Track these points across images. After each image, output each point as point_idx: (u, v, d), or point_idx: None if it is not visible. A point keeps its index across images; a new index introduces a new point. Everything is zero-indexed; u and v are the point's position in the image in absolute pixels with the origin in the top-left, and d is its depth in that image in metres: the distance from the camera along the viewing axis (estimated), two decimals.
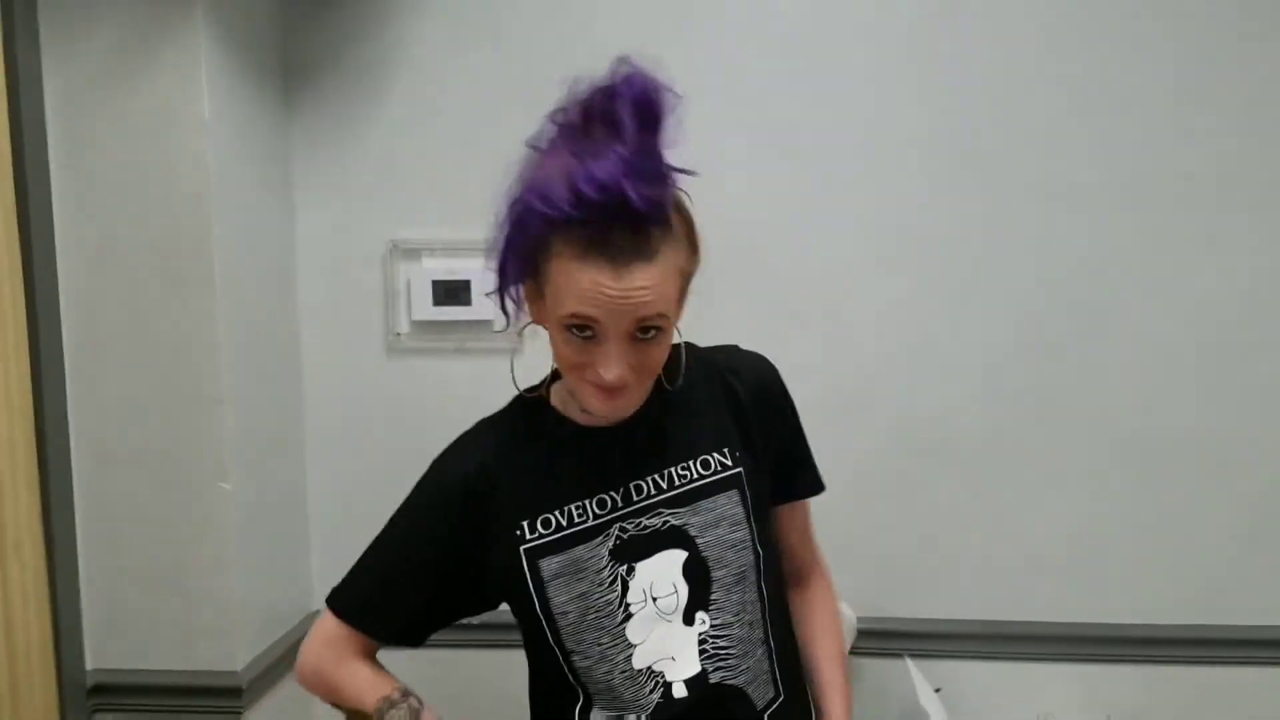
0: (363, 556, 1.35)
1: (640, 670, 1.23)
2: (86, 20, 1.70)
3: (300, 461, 2.08)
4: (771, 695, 1.28)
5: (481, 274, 1.95)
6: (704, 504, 1.25)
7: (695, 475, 1.26)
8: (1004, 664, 2.02)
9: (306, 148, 2.03)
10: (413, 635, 1.33)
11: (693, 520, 1.24)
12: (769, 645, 1.29)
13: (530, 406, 1.32)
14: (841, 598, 1.92)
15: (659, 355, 1.16)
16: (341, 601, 1.34)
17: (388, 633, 1.33)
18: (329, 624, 1.33)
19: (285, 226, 2.02)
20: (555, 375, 1.30)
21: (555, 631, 1.23)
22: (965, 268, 1.98)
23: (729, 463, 1.28)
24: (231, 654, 1.81)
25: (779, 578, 1.34)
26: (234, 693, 1.79)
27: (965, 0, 1.94)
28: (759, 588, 1.28)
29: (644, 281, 1.08)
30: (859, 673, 2.01)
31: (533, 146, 1.16)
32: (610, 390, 1.15)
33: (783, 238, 1.98)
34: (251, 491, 1.85)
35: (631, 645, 1.22)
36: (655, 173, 1.08)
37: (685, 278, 1.17)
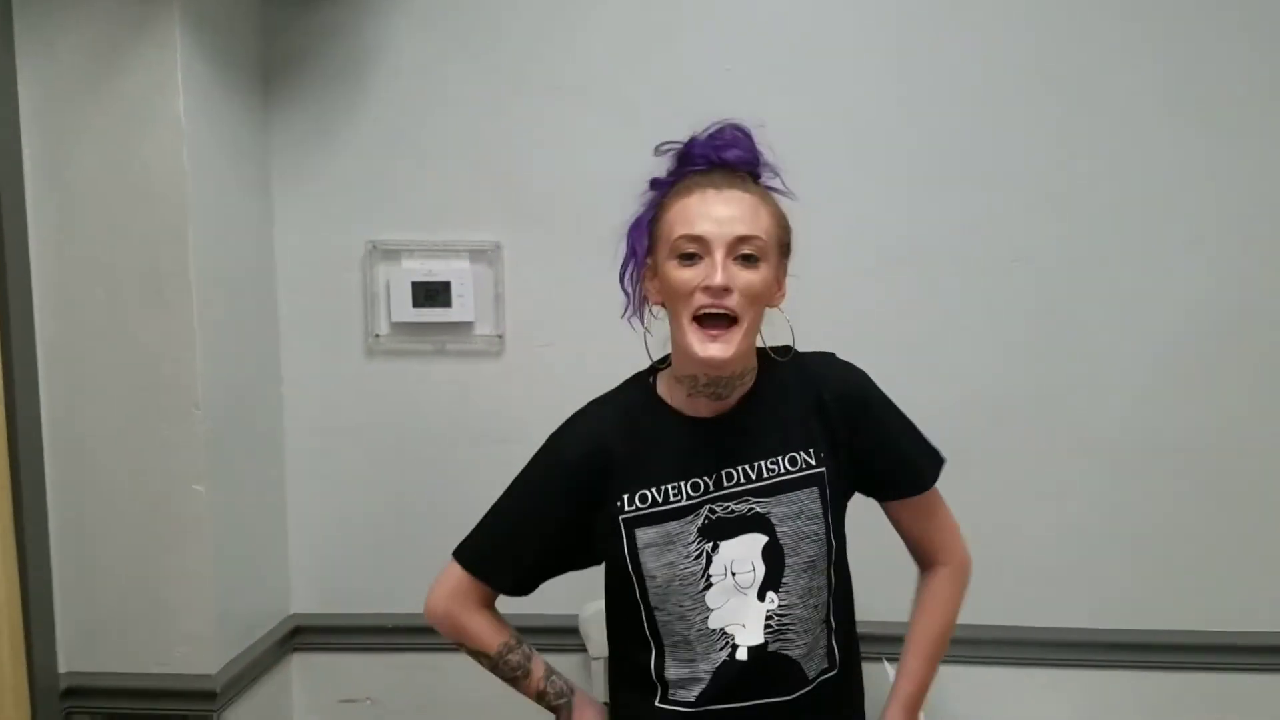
0: (485, 517, 1.51)
1: (714, 630, 1.41)
2: (62, 20, 1.69)
3: (280, 464, 2.07)
4: (825, 667, 1.46)
5: (461, 274, 2.01)
6: (787, 496, 1.42)
7: (782, 470, 1.43)
8: (986, 669, 2.02)
9: (285, 148, 2.02)
10: (525, 586, 1.51)
11: (775, 510, 1.42)
12: (829, 624, 1.47)
13: (640, 391, 1.49)
14: None
15: (760, 286, 1.33)
16: (467, 555, 1.51)
17: (505, 583, 1.51)
18: (455, 574, 1.51)
19: (263, 227, 2.01)
20: (659, 364, 1.47)
21: (644, 591, 1.42)
22: (950, 271, 1.97)
23: (813, 462, 1.44)
24: (206, 657, 1.80)
25: (846, 567, 1.52)
26: (208, 696, 1.79)
27: (954, 2, 1.94)
28: (827, 575, 1.45)
29: (741, 204, 1.33)
30: None
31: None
32: (711, 331, 1.31)
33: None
34: (227, 494, 1.85)
35: (709, 610, 1.41)
36: (745, 147, 1.40)
37: (781, 240, 1.38)
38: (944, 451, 1.99)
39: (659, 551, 1.41)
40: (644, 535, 1.41)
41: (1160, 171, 1.94)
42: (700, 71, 1.96)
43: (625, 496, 1.42)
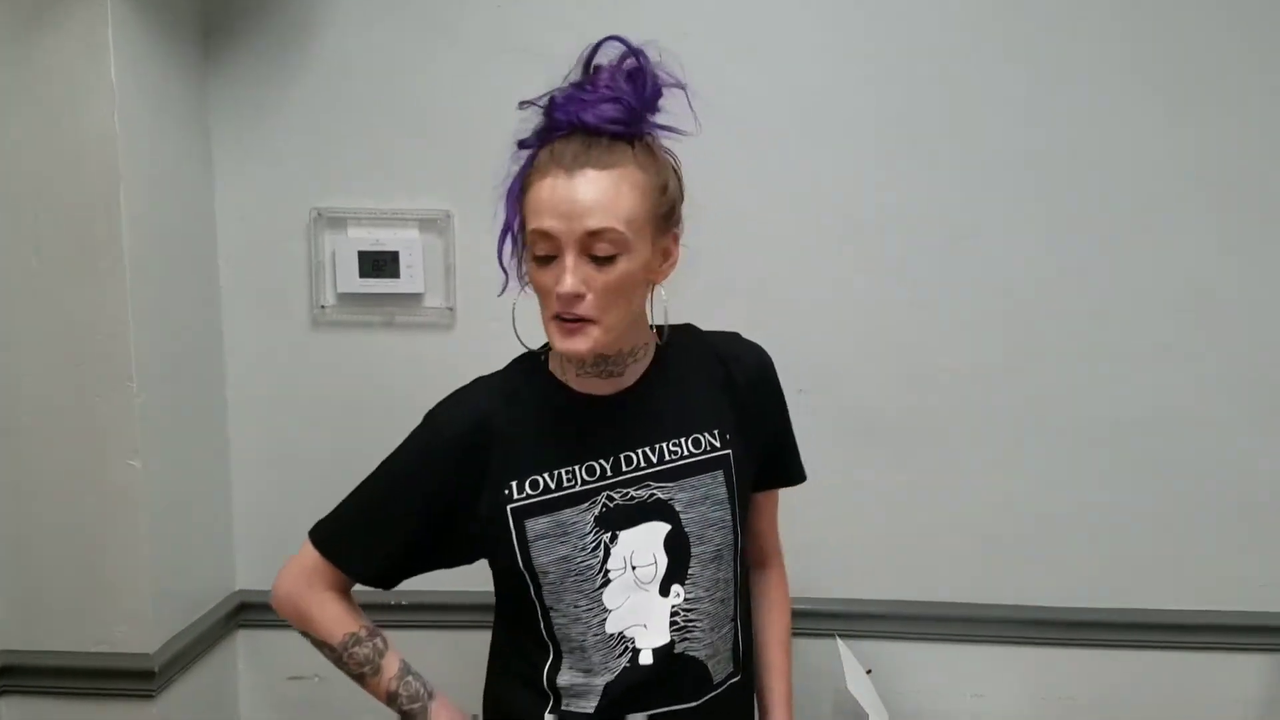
0: (349, 495, 1.40)
1: (612, 634, 1.30)
2: None
3: (223, 438, 2.03)
4: (730, 672, 1.38)
5: (410, 244, 1.96)
6: (691, 481, 1.33)
7: (685, 452, 1.34)
8: (936, 645, 2.01)
9: (225, 112, 1.95)
10: (386, 578, 1.39)
11: (679, 495, 1.32)
12: (735, 623, 1.38)
13: (529, 369, 1.38)
14: None
15: (619, 283, 1.21)
16: (322, 535, 1.40)
17: (362, 571, 1.39)
18: (307, 555, 1.40)
19: (203, 194, 1.95)
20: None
21: (537, 588, 1.30)
22: (898, 251, 1.94)
23: (718, 444, 1.35)
24: (144, 636, 1.76)
25: (745, 561, 1.42)
26: (145, 675, 1.75)
27: None
28: (734, 567, 1.36)
29: (595, 187, 1.18)
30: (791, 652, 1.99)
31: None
32: (569, 325, 1.21)
33: (725, 216, 1.91)
34: (166, 469, 1.80)
35: (607, 610, 1.30)
36: (616, 101, 1.22)
37: (654, 214, 1.24)
38: (888, 422, 2.00)
39: (551, 544, 1.29)
40: (535, 526, 1.29)
41: (1153, 147, 1.90)
42: (657, 34, 1.90)
43: (514, 483, 1.30)
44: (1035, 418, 1.96)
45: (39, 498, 1.74)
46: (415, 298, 1.99)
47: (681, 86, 1.30)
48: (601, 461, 1.32)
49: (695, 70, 1.89)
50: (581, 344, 1.22)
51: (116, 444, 1.72)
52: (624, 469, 1.32)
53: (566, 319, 1.22)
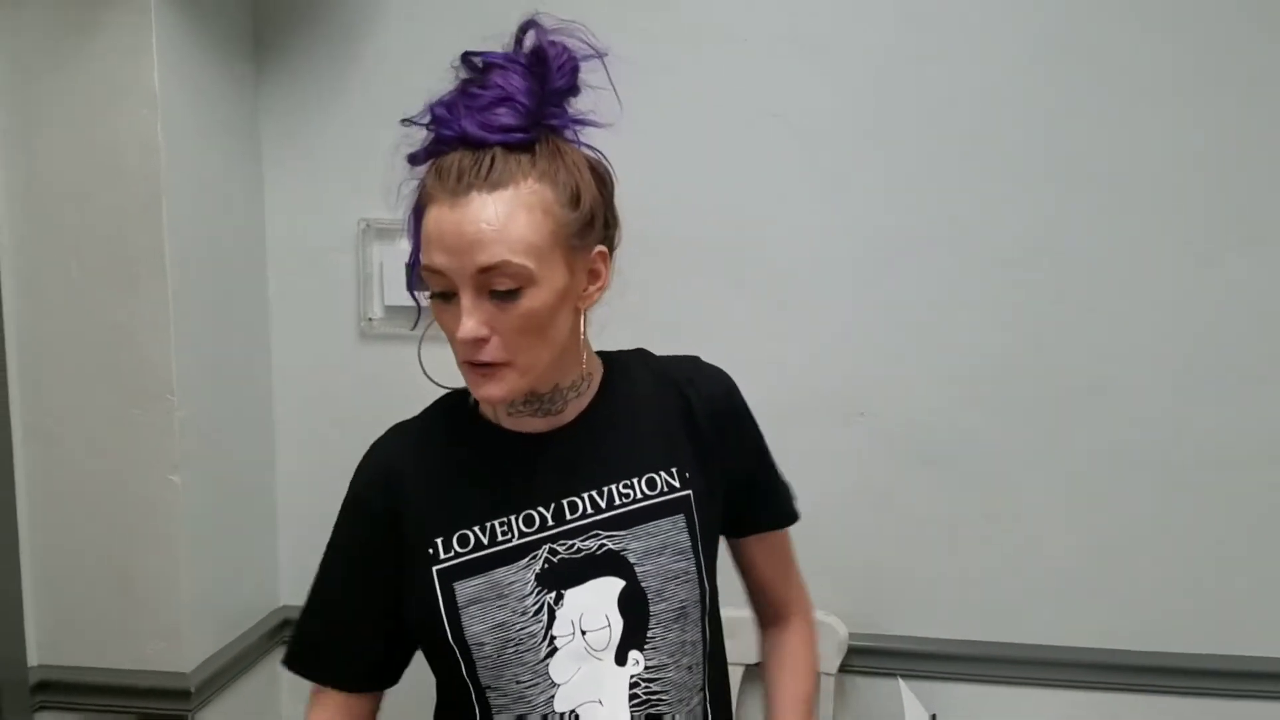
0: (307, 599, 1.21)
1: (562, 714, 1.09)
2: None
3: (269, 453, 2.00)
4: None
5: None
6: (646, 528, 1.13)
7: (639, 495, 1.14)
8: (1002, 688, 1.88)
9: (275, 121, 1.93)
10: (386, 675, 1.20)
11: (632, 545, 1.12)
12: (705, 693, 1.17)
13: (452, 408, 1.20)
14: (832, 611, 1.83)
15: (527, 321, 1.02)
16: (300, 660, 1.21)
17: (350, 680, 1.19)
18: (311, 694, 1.20)
19: (253, 205, 1.92)
20: None
21: (470, 665, 1.10)
22: (965, 263, 1.83)
23: (677, 484, 1.15)
24: (180, 655, 1.73)
25: (718, 618, 1.21)
26: (182, 695, 1.71)
27: None
28: (701, 626, 1.15)
29: (483, 214, 0.99)
30: (848, 692, 1.89)
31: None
32: (480, 370, 1.04)
33: (770, 228, 1.85)
34: (207, 485, 1.77)
35: (555, 685, 1.09)
36: (506, 102, 1.03)
37: (564, 234, 1.04)
38: (953, 451, 1.88)
39: (486, 609, 1.09)
40: (465, 590, 1.09)
41: (1201, 153, 1.77)
42: (716, 35, 1.84)
43: (439, 540, 1.10)
44: (1115, 447, 1.83)
45: (76, 512, 1.71)
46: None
47: (600, 55, 1.09)
48: (541, 509, 1.12)
49: (750, 71, 1.86)
50: (495, 390, 1.04)
51: (156, 459, 1.69)
52: (567, 517, 1.12)
53: (475, 364, 1.05)
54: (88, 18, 1.60)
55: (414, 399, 1.92)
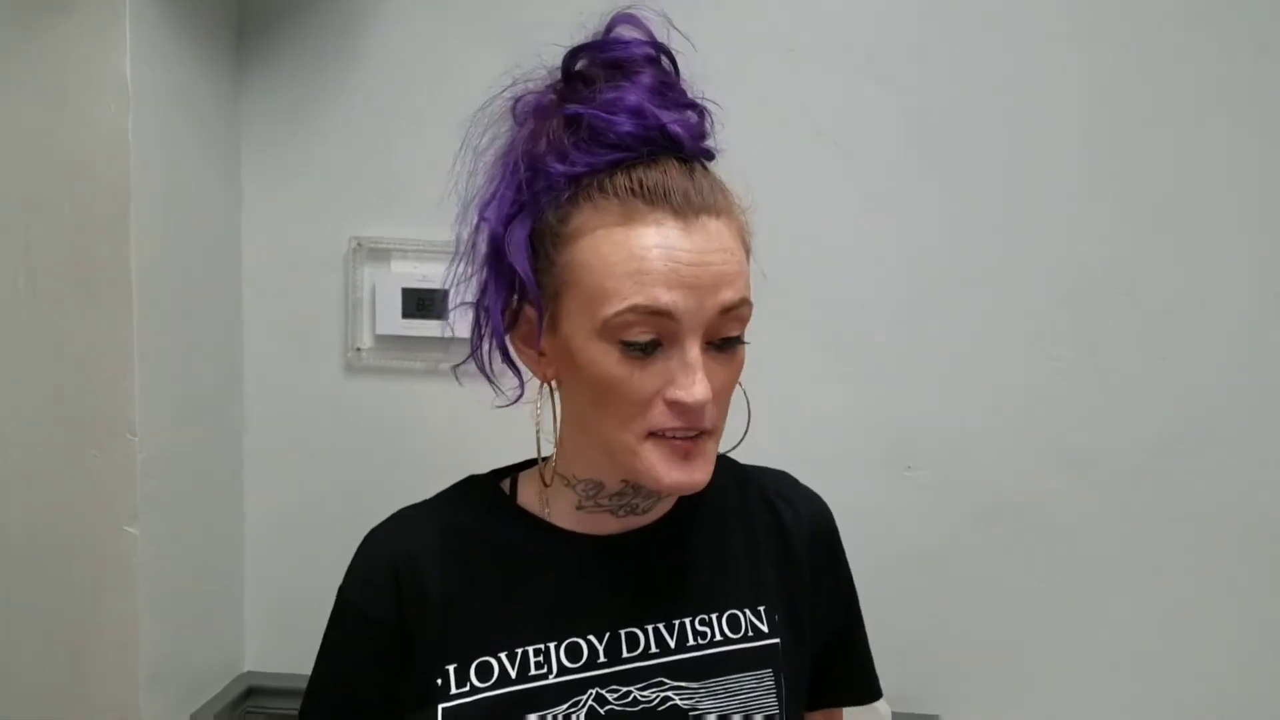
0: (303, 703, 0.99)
1: None
2: None
3: (236, 500, 1.79)
4: None
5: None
6: (725, 682, 0.90)
7: (718, 637, 0.91)
8: None
9: (259, 124, 1.75)
10: None
11: (706, 704, 0.88)
12: None
13: (486, 498, 0.97)
14: None
15: (734, 380, 0.86)
16: None
17: None
18: None
19: (229, 216, 1.73)
20: (528, 463, 0.98)
21: None
22: (1026, 302, 1.70)
23: (764, 628, 0.92)
24: None
25: None
26: None
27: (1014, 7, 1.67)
28: None
29: (721, 241, 0.81)
30: None
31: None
32: (685, 444, 0.82)
33: (811, 258, 1.70)
34: (168, 536, 1.57)
35: None
36: (694, 108, 0.86)
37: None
38: (1013, 508, 1.74)
39: None
40: None
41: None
42: (760, 48, 1.68)
43: (451, 669, 0.87)
44: (1191, 507, 1.70)
45: (18, 566, 1.52)
46: (464, 342, 1.74)
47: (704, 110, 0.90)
48: (591, 639, 0.89)
49: (798, 84, 1.72)
50: (702, 471, 0.83)
51: (112, 506, 1.50)
52: (624, 654, 0.88)
53: (681, 438, 0.83)
54: None
55: (406, 442, 1.76)
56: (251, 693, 1.81)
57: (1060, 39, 1.66)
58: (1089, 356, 1.69)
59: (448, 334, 1.70)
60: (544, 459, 0.95)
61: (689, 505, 0.95)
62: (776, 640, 0.92)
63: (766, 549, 0.96)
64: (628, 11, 0.87)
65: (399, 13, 1.72)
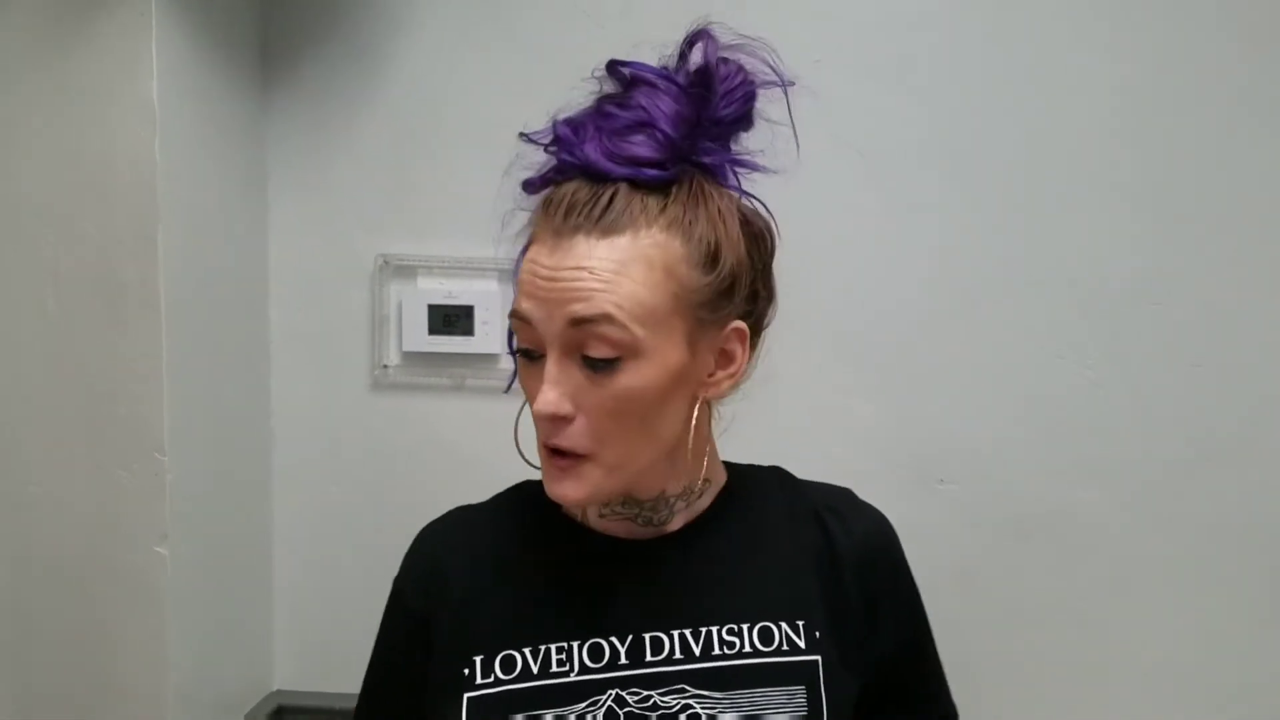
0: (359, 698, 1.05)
1: None
2: None
3: (265, 517, 1.80)
4: None
5: (487, 298, 1.74)
6: (750, 695, 0.88)
7: (747, 648, 0.89)
8: None
9: (285, 143, 1.75)
10: None
11: (728, 715, 0.87)
12: None
13: (527, 499, 0.98)
14: None
15: (623, 402, 0.83)
16: None
17: None
18: None
19: (255, 235, 1.74)
20: None
21: None
22: (1058, 310, 1.68)
23: (802, 644, 0.90)
24: None
25: None
26: None
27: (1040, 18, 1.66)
28: None
29: (586, 260, 0.81)
30: None
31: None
32: (559, 461, 0.85)
33: (837, 269, 1.69)
34: (197, 555, 1.57)
35: None
36: (644, 128, 0.85)
37: (690, 299, 0.84)
38: (1059, 525, 1.72)
39: None
40: None
41: None
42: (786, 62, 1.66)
43: (478, 660, 0.89)
44: (1231, 520, 1.68)
45: (48, 586, 1.53)
46: (491, 359, 1.76)
47: (783, 84, 0.91)
48: (614, 640, 0.89)
49: (823, 95, 1.70)
50: (572, 489, 0.85)
51: (141, 526, 1.50)
52: (648, 657, 0.88)
53: (553, 450, 0.85)
54: (79, 21, 1.42)
55: (433, 458, 1.76)
56: (281, 712, 1.80)
57: (1085, 48, 1.65)
58: (1120, 366, 1.68)
59: (475, 350, 1.72)
60: None
61: (722, 515, 0.96)
62: (816, 658, 0.90)
63: (812, 564, 0.94)
64: (704, 28, 0.89)
65: (421, 31, 1.73)
